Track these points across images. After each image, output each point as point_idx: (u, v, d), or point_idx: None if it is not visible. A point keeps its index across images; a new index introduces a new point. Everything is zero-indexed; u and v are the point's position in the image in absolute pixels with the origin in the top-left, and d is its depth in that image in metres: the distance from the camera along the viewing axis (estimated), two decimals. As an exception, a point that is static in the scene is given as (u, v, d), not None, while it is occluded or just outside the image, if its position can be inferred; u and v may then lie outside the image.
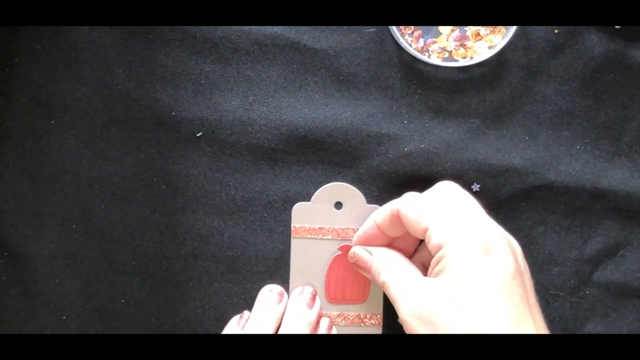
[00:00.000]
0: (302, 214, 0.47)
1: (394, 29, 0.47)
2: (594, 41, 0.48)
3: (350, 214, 0.47)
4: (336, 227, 0.47)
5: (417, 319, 0.39)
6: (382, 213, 0.44)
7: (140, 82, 0.48)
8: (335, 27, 0.48)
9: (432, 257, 0.40)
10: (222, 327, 0.47)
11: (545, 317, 0.47)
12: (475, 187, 0.48)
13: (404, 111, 0.48)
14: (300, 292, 0.47)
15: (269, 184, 0.48)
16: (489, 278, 0.38)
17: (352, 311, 0.47)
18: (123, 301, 0.48)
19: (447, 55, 0.48)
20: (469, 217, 0.40)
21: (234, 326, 0.46)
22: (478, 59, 0.47)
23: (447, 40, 0.48)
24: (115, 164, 0.48)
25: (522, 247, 0.48)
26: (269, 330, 0.45)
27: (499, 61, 0.48)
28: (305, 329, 0.45)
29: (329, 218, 0.47)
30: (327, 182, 0.48)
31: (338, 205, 0.48)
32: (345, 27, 0.48)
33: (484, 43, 0.48)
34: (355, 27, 0.48)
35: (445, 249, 0.39)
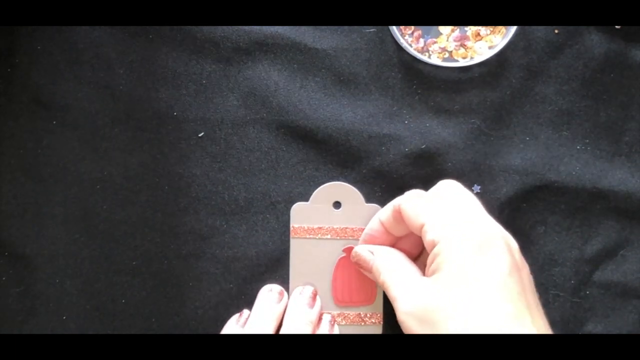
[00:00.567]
0: (301, 214, 0.47)
1: (394, 29, 0.47)
2: (594, 41, 0.48)
3: (349, 213, 0.47)
4: (335, 226, 0.47)
5: (414, 319, 0.39)
6: (386, 210, 0.44)
7: (141, 82, 0.48)
8: (335, 28, 0.48)
9: None
10: (223, 328, 0.47)
11: (546, 316, 0.47)
12: (476, 188, 0.48)
13: (405, 111, 0.48)
14: (301, 292, 0.47)
15: (271, 185, 0.48)
16: (484, 276, 0.38)
17: (352, 310, 0.47)
18: (123, 301, 0.48)
19: (447, 55, 0.48)
20: (467, 215, 0.40)
21: (233, 325, 0.46)
22: (478, 59, 0.47)
23: (448, 41, 0.48)
24: (117, 164, 0.48)
25: (522, 247, 0.48)
26: (269, 329, 0.45)
27: (499, 61, 0.48)
28: (307, 328, 0.45)
29: (327, 218, 0.47)
30: (329, 182, 0.48)
31: (337, 204, 0.48)
32: (346, 28, 0.48)
33: (484, 43, 0.48)
34: (356, 27, 0.48)
35: (440, 245, 0.39)
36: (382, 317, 0.47)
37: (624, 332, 0.49)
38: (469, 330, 0.37)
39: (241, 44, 0.48)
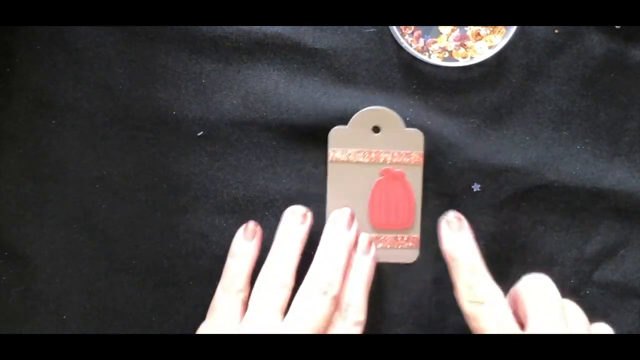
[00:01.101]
0: (339, 138, 0.47)
1: (394, 29, 0.47)
2: (594, 41, 0.48)
3: (388, 138, 0.47)
4: (374, 150, 0.47)
5: None
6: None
7: (140, 81, 0.48)
8: (335, 27, 0.48)
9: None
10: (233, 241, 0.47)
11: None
12: (476, 187, 0.48)
13: (404, 111, 0.48)
14: (338, 214, 0.46)
15: (270, 183, 0.48)
16: None
17: (389, 234, 0.47)
18: (123, 301, 0.48)
19: (447, 55, 0.48)
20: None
21: (240, 239, 0.46)
22: (478, 59, 0.47)
23: (447, 40, 0.48)
24: (116, 164, 0.48)
25: (522, 247, 0.48)
26: (294, 254, 0.44)
27: (499, 61, 0.48)
28: (343, 250, 0.44)
29: (366, 142, 0.47)
30: (369, 107, 0.48)
31: (376, 129, 0.47)
32: (346, 27, 0.48)
33: (484, 43, 0.48)
34: (356, 27, 0.48)
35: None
36: (419, 240, 0.47)
37: (624, 332, 0.49)
38: None
39: (241, 43, 0.48)
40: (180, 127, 0.48)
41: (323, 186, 0.48)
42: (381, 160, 0.47)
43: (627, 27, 0.48)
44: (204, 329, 0.45)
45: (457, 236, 0.44)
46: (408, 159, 0.47)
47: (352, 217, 0.46)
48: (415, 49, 0.48)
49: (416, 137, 0.47)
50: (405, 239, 0.47)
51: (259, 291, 0.43)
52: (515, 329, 0.41)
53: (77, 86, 0.48)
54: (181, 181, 0.48)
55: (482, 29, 0.48)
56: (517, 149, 0.48)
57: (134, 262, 0.48)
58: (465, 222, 0.45)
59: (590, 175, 0.48)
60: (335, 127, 0.47)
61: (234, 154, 0.48)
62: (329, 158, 0.47)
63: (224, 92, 0.48)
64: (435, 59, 0.48)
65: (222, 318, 0.44)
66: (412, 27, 0.48)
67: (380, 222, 0.47)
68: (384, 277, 0.49)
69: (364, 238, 0.46)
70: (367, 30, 0.48)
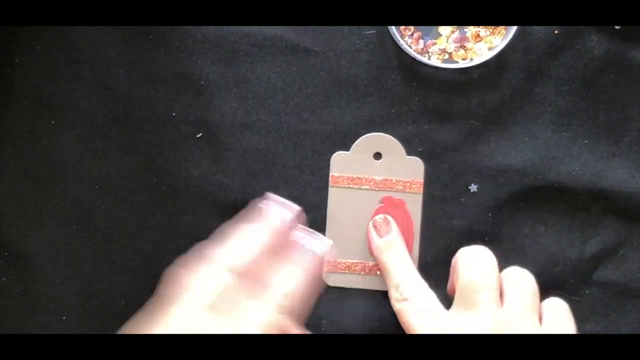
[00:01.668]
0: (341, 163, 0.47)
1: (393, 30, 0.47)
2: (594, 41, 0.48)
3: (389, 165, 0.48)
4: (375, 177, 0.47)
5: None
6: None
7: (140, 82, 0.48)
8: (335, 29, 0.48)
9: None
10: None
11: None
12: (473, 187, 0.48)
13: (404, 113, 0.48)
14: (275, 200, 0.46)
15: (268, 188, 0.48)
16: None
17: None
18: (123, 302, 0.48)
19: (447, 56, 0.48)
20: None
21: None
22: (478, 60, 0.47)
23: (447, 42, 0.48)
24: (116, 165, 0.48)
25: (522, 247, 0.48)
26: (257, 242, 0.43)
27: (498, 62, 0.48)
28: (265, 231, 0.43)
29: (367, 168, 0.47)
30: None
31: (377, 155, 0.48)
32: (345, 29, 0.48)
33: (484, 44, 0.48)
34: (355, 29, 0.48)
35: None
36: (417, 268, 0.47)
37: (624, 332, 0.49)
38: None
39: (240, 45, 0.48)
40: (180, 129, 0.48)
41: (320, 193, 0.48)
42: (381, 188, 0.47)
43: (627, 27, 0.48)
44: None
45: (384, 241, 0.46)
46: (408, 187, 0.47)
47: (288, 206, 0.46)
48: (415, 50, 0.48)
49: (417, 166, 0.47)
50: None
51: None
52: (436, 320, 0.42)
53: (76, 86, 0.48)
54: (180, 183, 0.48)
55: (482, 31, 0.48)
56: (516, 150, 0.48)
57: (133, 264, 0.48)
58: (393, 225, 0.46)
59: (590, 175, 0.48)
60: (337, 152, 0.48)
61: (232, 157, 0.48)
62: (330, 182, 0.47)
63: (223, 94, 0.48)
64: (435, 61, 0.48)
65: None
66: (412, 28, 0.48)
67: None
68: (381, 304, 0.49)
69: (324, 239, 0.46)
70: (367, 32, 0.48)
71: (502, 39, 0.47)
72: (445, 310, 0.43)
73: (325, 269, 0.48)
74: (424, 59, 0.47)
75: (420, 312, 0.43)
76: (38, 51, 0.48)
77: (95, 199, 0.48)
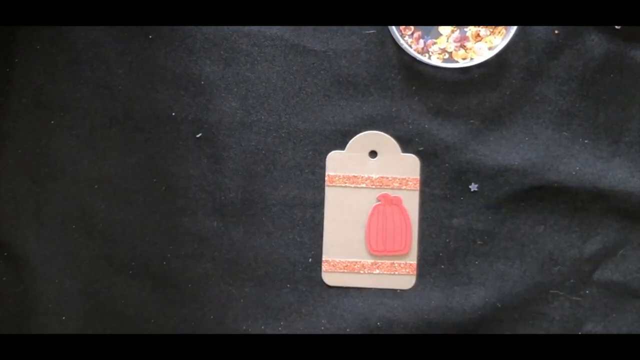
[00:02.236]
0: (336, 162, 0.47)
1: (394, 30, 0.47)
2: (594, 41, 0.48)
3: (385, 163, 0.47)
4: (371, 175, 0.47)
5: None
6: None
7: (140, 82, 0.48)
8: (335, 29, 0.48)
9: None
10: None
11: (546, 316, 0.47)
12: (473, 187, 0.48)
13: (404, 112, 0.48)
14: None
15: (267, 188, 0.48)
16: None
17: (386, 260, 0.48)
18: (123, 302, 0.48)
19: (447, 56, 0.48)
20: None
21: None
22: (478, 60, 0.47)
23: (447, 42, 0.48)
24: (115, 165, 0.48)
25: (522, 246, 0.48)
26: None
27: (498, 62, 0.48)
28: None
29: (363, 167, 0.47)
30: (365, 131, 0.48)
31: (372, 154, 0.48)
32: (346, 29, 0.48)
33: (484, 44, 0.48)
34: (355, 29, 0.48)
35: None
36: (416, 267, 0.47)
37: (624, 332, 0.49)
38: None
39: (240, 45, 0.48)
40: (179, 129, 0.48)
41: (320, 192, 0.48)
42: (378, 186, 0.47)
43: (627, 27, 0.48)
44: None
45: None
46: (405, 184, 0.47)
47: None
48: (415, 50, 0.48)
49: (413, 163, 0.47)
50: (402, 265, 0.48)
51: None
52: None
53: (76, 86, 0.48)
54: (179, 183, 0.48)
55: (482, 30, 0.48)
56: (516, 150, 0.48)
57: (132, 264, 0.48)
58: None
59: (590, 175, 0.48)
60: (333, 152, 0.47)
61: (231, 157, 0.48)
62: (326, 182, 0.47)
63: (223, 94, 0.48)
64: (435, 60, 0.48)
65: None
66: (412, 28, 0.48)
67: (377, 248, 0.48)
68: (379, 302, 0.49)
69: None
70: (367, 32, 0.48)
71: (502, 39, 0.47)
72: None
73: (324, 269, 0.48)
74: (424, 58, 0.47)
75: None
76: (38, 51, 0.48)
77: (95, 198, 0.48)
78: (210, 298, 0.47)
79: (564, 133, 0.48)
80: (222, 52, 0.48)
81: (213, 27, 0.47)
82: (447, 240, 0.48)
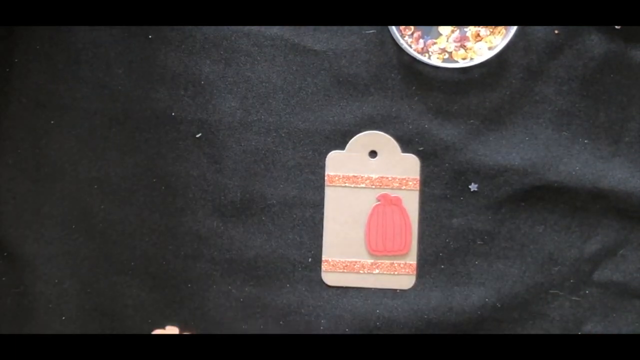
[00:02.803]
0: (336, 162, 0.48)
1: (393, 30, 0.47)
2: (594, 41, 0.48)
3: (385, 163, 0.47)
4: (371, 175, 0.47)
5: None
6: None
7: (140, 82, 0.48)
8: (335, 29, 0.48)
9: None
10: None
11: (546, 316, 0.47)
12: (473, 187, 0.48)
13: (404, 112, 0.48)
14: None
15: (267, 187, 0.48)
16: None
17: (386, 260, 0.48)
18: (122, 302, 0.48)
19: (447, 56, 0.48)
20: None
21: None
22: (478, 60, 0.47)
23: (447, 41, 0.48)
24: (115, 164, 0.48)
25: (522, 246, 0.48)
26: None
27: (498, 62, 0.48)
28: None
29: (363, 166, 0.47)
30: (365, 131, 0.48)
31: (372, 154, 0.48)
32: (346, 29, 0.48)
33: (484, 44, 0.48)
34: (355, 29, 0.48)
35: None
36: (415, 267, 0.47)
37: (624, 332, 0.49)
38: None
39: (240, 45, 0.48)
40: (179, 129, 0.48)
41: (320, 192, 0.48)
42: (378, 186, 0.47)
43: (627, 27, 0.48)
44: None
45: None
46: (405, 184, 0.47)
47: None
48: (415, 50, 0.48)
49: (412, 162, 0.47)
50: (401, 265, 0.48)
51: None
52: None
53: (76, 86, 0.48)
54: (179, 183, 0.48)
55: (482, 30, 0.48)
56: (516, 150, 0.48)
57: (132, 264, 0.48)
58: None
59: (590, 175, 0.48)
60: (333, 152, 0.47)
61: (231, 156, 0.48)
62: (326, 182, 0.47)
63: (223, 94, 0.48)
64: (435, 60, 0.48)
65: None
66: (412, 28, 0.48)
67: (377, 248, 0.48)
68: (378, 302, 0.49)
69: None
70: (367, 32, 0.48)
71: (502, 39, 0.47)
72: None
73: (324, 269, 0.48)
74: (424, 58, 0.47)
75: None
76: (37, 51, 0.48)
77: (94, 198, 0.48)
78: (210, 298, 0.47)
79: (564, 133, 0.48)
80: (222, 52, 0.48)
81: (213, 27, 0.47)
82: (447, 240, 0.48)
